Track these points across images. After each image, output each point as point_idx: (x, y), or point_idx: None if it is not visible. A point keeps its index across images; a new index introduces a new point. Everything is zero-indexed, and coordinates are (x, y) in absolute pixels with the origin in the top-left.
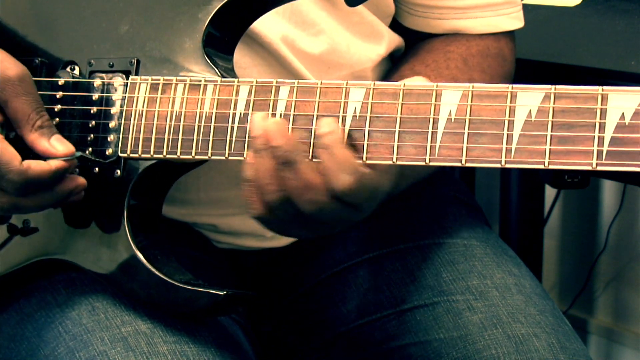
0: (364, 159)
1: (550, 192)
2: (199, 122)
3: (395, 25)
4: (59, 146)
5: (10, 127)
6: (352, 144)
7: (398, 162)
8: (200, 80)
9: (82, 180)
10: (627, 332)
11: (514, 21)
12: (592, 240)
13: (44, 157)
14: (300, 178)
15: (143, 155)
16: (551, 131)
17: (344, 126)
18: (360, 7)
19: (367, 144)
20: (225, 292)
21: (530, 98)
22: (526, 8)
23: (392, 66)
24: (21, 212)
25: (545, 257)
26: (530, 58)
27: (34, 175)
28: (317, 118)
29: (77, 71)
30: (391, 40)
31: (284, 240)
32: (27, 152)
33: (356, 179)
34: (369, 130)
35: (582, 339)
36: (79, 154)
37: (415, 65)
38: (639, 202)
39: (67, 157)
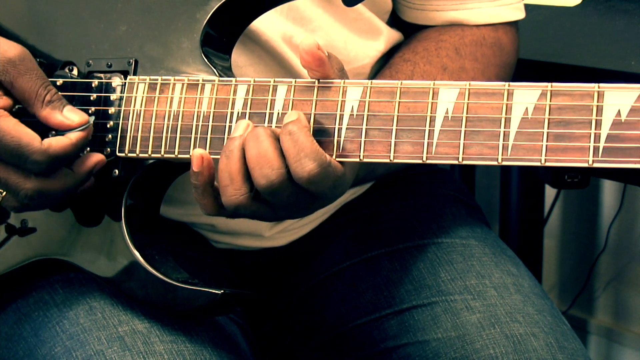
0: (361, 157)
1: (550, 192)
2: (196, 121)
3: (395, 20)
4: (73, 116)
5: (21, 109)
6: (320, 140)
7: (395, 160)
8: (198, 80)
9: (100, 156)
10: (627, 332)
11: (514, 12)
12: (592, 240)
13: (60, 133)
14: (261, 148)
15: (141, 155)
16: (548, 128)
17: (341, 125)
18: (358, 4)
19: (365, 142)
20: (222, 292)
21: (526, 95)
22: (526, 8)
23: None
24: (45, 202)
25: (545, 257)
26: (530, 58)
27: (57, 151)
28: (314, 116)
29: (75, 71)
30: (390, 36)
31: (282, 240)
32: (43, 132)
33: (319, 165)
34: (366, 129)
35: (582, 339)
36: (92, 119)
37: (406, 53)
38: (639, 202)
39: (83, 125)
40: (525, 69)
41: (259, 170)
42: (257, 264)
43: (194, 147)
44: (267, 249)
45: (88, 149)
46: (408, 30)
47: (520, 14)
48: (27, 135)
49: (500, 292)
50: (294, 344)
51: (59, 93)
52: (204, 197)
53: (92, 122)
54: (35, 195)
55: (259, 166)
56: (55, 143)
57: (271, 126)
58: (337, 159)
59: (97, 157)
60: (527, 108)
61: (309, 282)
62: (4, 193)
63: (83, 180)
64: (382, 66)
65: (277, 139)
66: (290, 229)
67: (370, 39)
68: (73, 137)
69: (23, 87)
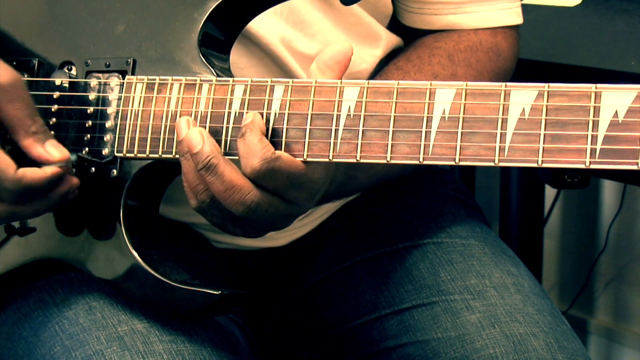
0: (358, 158)
1: (550, 192)
2: (194, 121)
3: (395, 24)
4: (53, 152)
5: (5, 135)
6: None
7: (392, 161)
8: (196, 80)
9: (75, 181)
10: (627, 332)
11: (512, 16)
12: (592, 240)
13: (39, 163)
14: (224, 181)
15: (139, 155)
16: (544, 129)
17: (338, 126)
18: (358, 8)
19: (361, 143)
20: (220, 292)
21: (523, 96)
22: (526, 8)
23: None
24: (18, 220)
25: (545, 257)
26: (530, 58)
27: (30, 182)
28: (311, 117)
29: (74, 71)
30: (389, 42)
31: (282, 240)
32: (23, 159)
33: (264, 163)
34: (362, 129)
35: (582, 339)
36: (74, 157)
37: (400, 61)
38: (639, 202)
39: (62, 162)
40: (525, 69)
41: (231, 200)
42: (257, 264)
43: None
44: (267, 249)
45: (74, 170)
46: (408, 34)
47: (518, 19)
48: (3, 162)
49: (500, 292)
50: (294, 343)
51: (46, 126)
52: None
53: (72, 160)
54: (8, 217)
55: (230, 196)
56: (30, 174)
57: (267, 127)
58: (334, 159)
59: (72, 182)
60: (523, 109)
61: (309, 282)
62: None
63: (56, 204)
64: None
65: (229, 161)
66: (290, 228)
67: (369, 44)
68: (49, 171)
69: (10, 114)
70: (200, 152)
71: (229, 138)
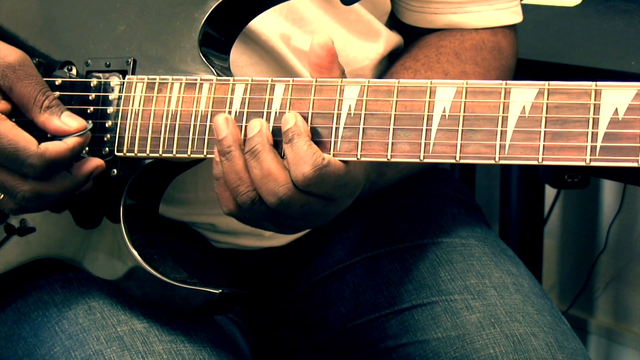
0: (359, 156)
1: (550, 192)
2: (194, 120)
3: (394, 22)
4: (70, 122)
5: (19, 113)
6: (317, 140)
7: (392, 159)
8: (196, 79)
9: (99, 162)
10: (627, 332)
11: (512, 15)
12: (592, 240)
13: (58, 137)
14: (263, 167)
15: (139, 155)
16: (545, 127)
17: (339, 124)
18: (357, 6)
19: (362, 141)
20: (220, 291)
21: (524, 94)
22: (526, 8)
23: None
24: (43, 203)
25: (545, 257)
26: (530, 58)
27: (53, 155)
28: (311, 115)
29: (74, 71)
30: (389, 39)
31: (282, 240)
32: (41, 137)
33: (316, 170)
34: (363, 128)
35: (582, 339)
36: (91, 125)
37: (407, 61)
38: (639, 202)
39: (80, 131)
40: (525, 69)
41: (265, 188)
42: (258, 264)
43: (192, 146)
44: (268, 249)
45: (87, 151)
46: (408, 32)
47: (518, 18)
48: (24, 139)
49: (500, 292)
50: (294, 344)
51: (58, 99)
52: (225, 189)
53: (90, 127)
54: (32, 198)
55: (265, 184)
56: (52, 147)
57: (269, 124)
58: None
59: (96, 162)
60: (524, 106)
61: (309, 282)
62: (2, 196)
63: (81, 183)
64: (381, 70)
65: (274, 151)
66: None
67: (370, 41)
68: (70, 142)
69: (22, 92)
70: (254, 136)
71: None
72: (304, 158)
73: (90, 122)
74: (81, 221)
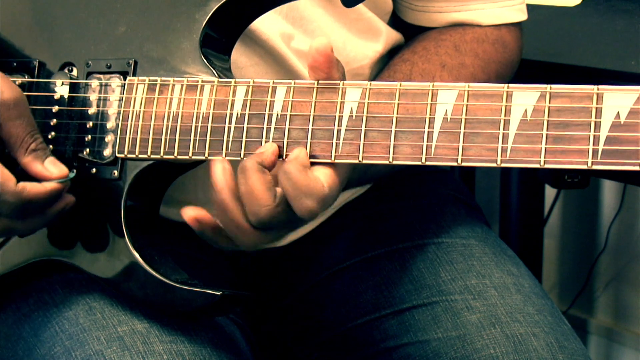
0: (360, 159)
1: (550, 192)
2: (196, 122)
3: (396, 21)
4: (52, 169)
5: (2, 150)
6: (315, 162)
7: (394, 162)
8: (198, 81)
9: (71, 199)
10: (627, 332)
11: (517, 13)
12: (592, 240)
13: (38, 179)
14: (248, 185)
15: (140, 156)
16: (547, 130)
17: (340, 127)
18: (358, 5)
19: (364, 144)
20: (221, 293)
21: (525, 97)
22: (526, 8)
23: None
24: (12, 235)
25: (545, 257)
26: (530, 58)
27: (30, 196)
28: (313, 118)
29: (74, 72)
30: (389, 37)
31: (282, 240)
32: (22, 175)
33: (317, 200)
34: (365, 130)
35: (582, 339)
36: (72, 175)
37: (405, 54)
38: (639, 202)
39: (61, 179)
40: (525, 69)
41: (249, 207)
42: (257, 264)
43: (193, 148)
44: (267, 249)
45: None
46: (410, 31)
47: (523, 16)
48: (3, 175)
49: (501, 292)
50: (294, 343)
51: (44, 143)
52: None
53: (71, 177)
54: (3, 232)
55: (249, 202)
56: (30, 188)
57: (270, 128)
58: (336, 160)
59: (67, 200)
60: (526, 110)
61: (309, 282)
62: None
63: (51, 220)
64: (380, 68)
65: (264, 172)
66: None
67: (370, 39)
68: (48, 186)
69: (11, 131)
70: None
71: (230, 139)
72: (306, 193)
73: (73, 171)
74: (81, 222)
